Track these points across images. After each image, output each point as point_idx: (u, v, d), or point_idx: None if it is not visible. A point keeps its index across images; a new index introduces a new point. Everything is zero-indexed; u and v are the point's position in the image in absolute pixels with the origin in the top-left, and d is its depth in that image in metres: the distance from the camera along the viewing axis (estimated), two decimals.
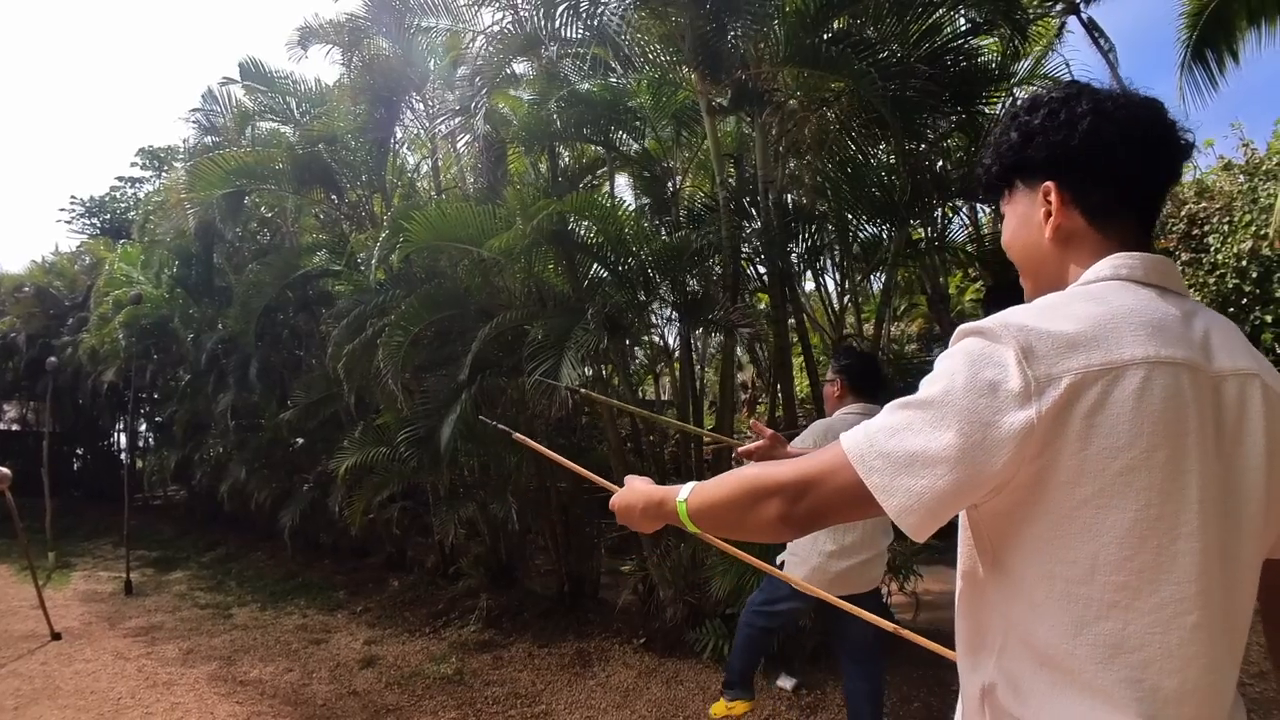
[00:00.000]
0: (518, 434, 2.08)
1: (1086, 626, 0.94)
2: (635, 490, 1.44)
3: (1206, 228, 9.74)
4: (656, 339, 8.01)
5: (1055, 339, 0.93)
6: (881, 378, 3.97)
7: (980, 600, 1.08)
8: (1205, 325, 1.03)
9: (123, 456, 17.74)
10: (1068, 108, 1.11)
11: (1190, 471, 0.93)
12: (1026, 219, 1.17)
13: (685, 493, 1.28)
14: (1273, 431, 1.00)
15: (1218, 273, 9.62)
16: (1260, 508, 1.00)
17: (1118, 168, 1.09)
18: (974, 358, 0.96)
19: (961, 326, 1.02)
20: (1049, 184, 1.12)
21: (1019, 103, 1.22)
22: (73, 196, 21.04)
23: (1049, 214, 1.13)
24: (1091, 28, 8.92)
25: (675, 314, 6.64)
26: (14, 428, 21.70)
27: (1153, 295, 1.02)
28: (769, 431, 2.58)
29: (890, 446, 0.97)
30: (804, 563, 3.66)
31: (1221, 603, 0.95)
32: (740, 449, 2.67)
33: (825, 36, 5.74)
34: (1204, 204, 9.98)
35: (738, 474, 1.18)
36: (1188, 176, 11.69)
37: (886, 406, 1.03)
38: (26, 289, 18.53)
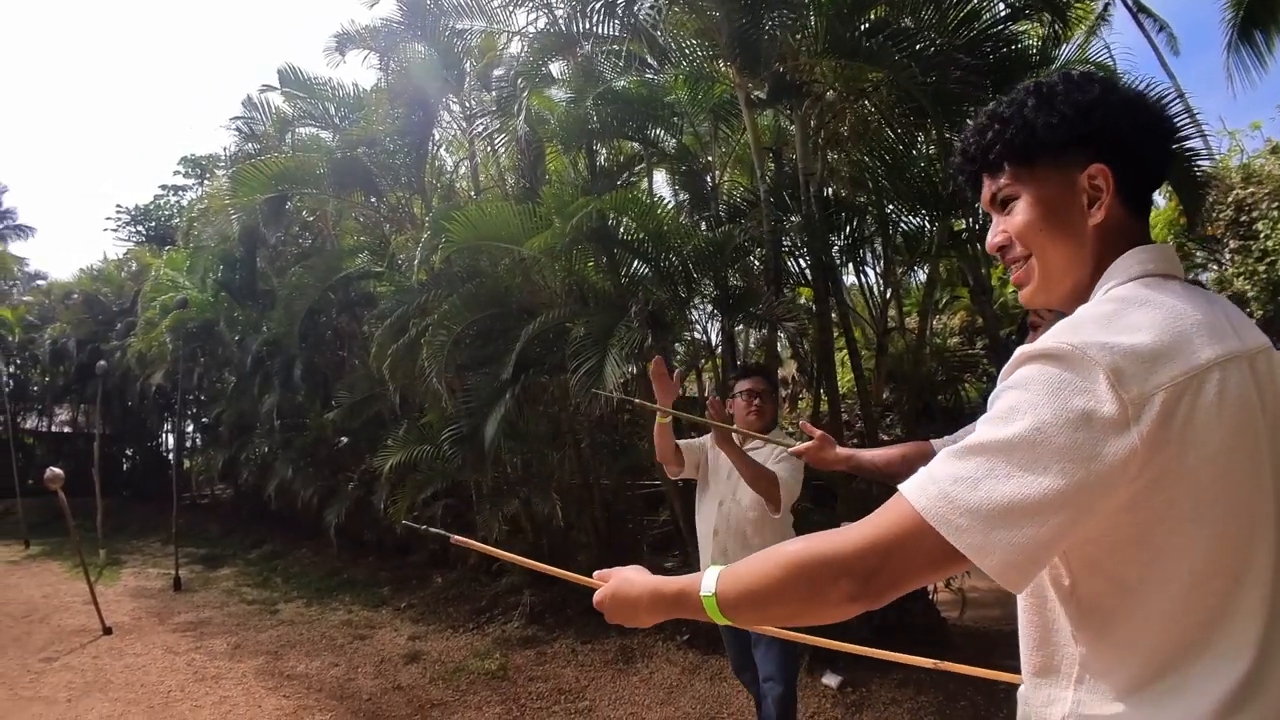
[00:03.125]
0: (456, 536, 1.93)
1: (1192, 646, 0.87)
2: (633, 584, 1.22)
3: (1255, 214, 9.50)
4: (698, 335, 7.99)
5: (1139, 354, 0.86)
6: None
7: (1053, 626, 1.01)
8: (1222, 308, 0.98)
9: (170, 457, 18.12)
10: (1121, 93, 1.04)
11: (1264, 461, 0.90)
12: (1056, 205, 1.05)
13: (711, 583, 1.07)
14: None
15: (1268, 260, 9.36)
16: None
17: (1160, 159, 1.05)
18: (1056, 386, 0.86)
19: (1022, 350, 0.92)
20: (1101, 167, 1.01)
21: (1048, 79, 1.09)
22: (119, 205, 21.58)
23: (1091, 200, 1.03)
24: (1138, 9, 8.74)
25: (716, 309, 6.62)
26: (66, 430, 22.28)
27: (1182, 288, 0.97)
28: (818, 432, 2.52)
29: (976, 501, 0.85)
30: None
31: None
32: (792, 449, 2.63)
33: (863, 27, 5.69)
34: (1252, 189, 9.73)
35: (780, 554, 1.00)
36: (1234, 161, 11.41)
37: (947, 451, 0.92)
38: (76, 296, 19.04)
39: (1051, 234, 1.07)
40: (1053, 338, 0.89)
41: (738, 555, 3.61)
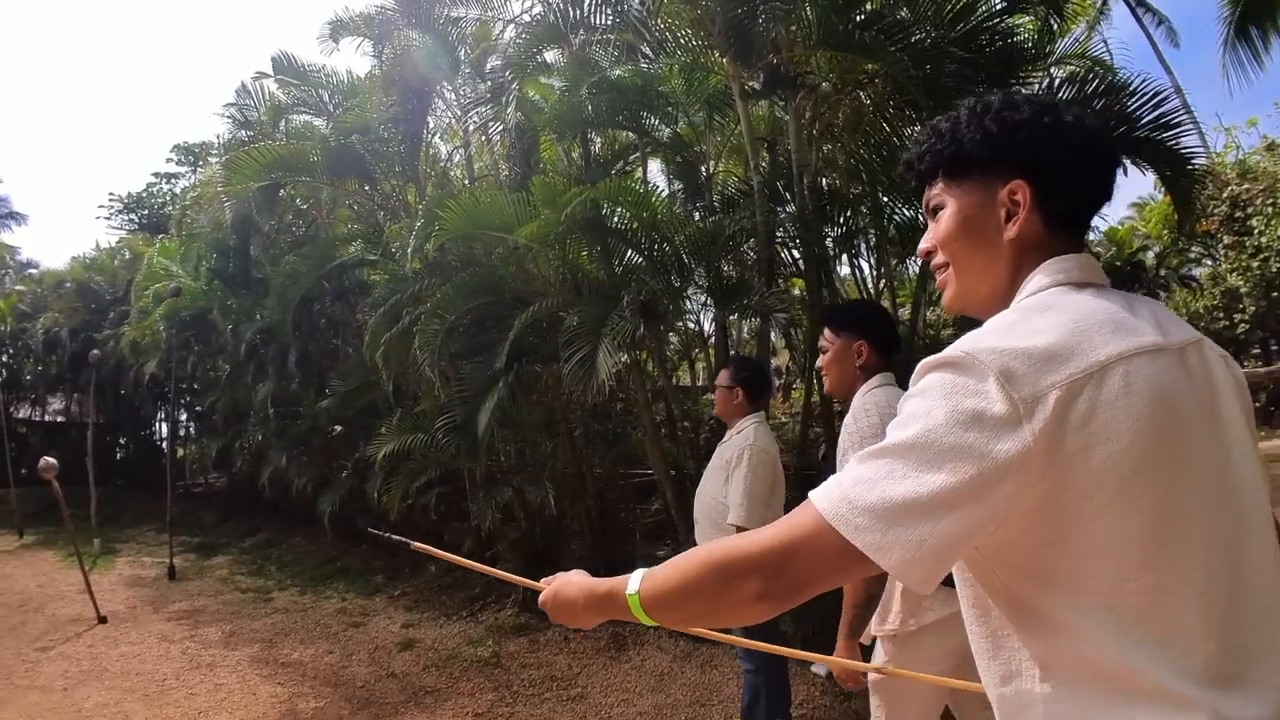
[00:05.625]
0: (416, 543, 2.00)
1: (1129, 637, 0.88)
2: (571, 584, 1.29)
3: (1250, 210, 9.55)
4: (691, 324, 8.01)
5: (1031, 355, 0.89)
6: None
7: (1001, 634, 1.01)
8: (1148, 308, 1.02)
9: (164, 445, 18.15)
10: (1054, 113, 1.08)
11: (1191, 452, 0.92)
12: (977, 216, 1.10)
13: (636, 583, 1.13)
14: (1233, 388, 1.02)
15: (1261, 256, 9.41)
16: (1254, 461, 0.99)
17: (1088, 181, 1.08)
18: (949, 390, 0.90)
19: (924, 361, 0.96)
20: (1021, 183, 1.06)
21: (989, 97, 1.14)
22: (111, 193, 21.39)
23: (1009, 215, 1.07)
24: (1137, 3, 8.74)
25: (710, 299, 6.63)
26: (59, 419, 22.24)
27: (1095, 293, 1.01)
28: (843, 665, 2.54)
29: (875, 499, 0.89)
30: None
31: (1257, 570, 0.93)
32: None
33: (858, 19, 5.69)
34: (1247, 186, 9.77)
35: (696, 555, 1.05)
36: (1230, 157, 11.44)
37: (855, 457, 0.95)
38: (68, 285, 18.96)
39: (967, 244, 1.12)
40: (952, 346, 0.93)
41: (709, 539, 3.77)
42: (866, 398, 2.68)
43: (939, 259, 1.17)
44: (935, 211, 1.16)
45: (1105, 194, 1.11)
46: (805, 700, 4.83)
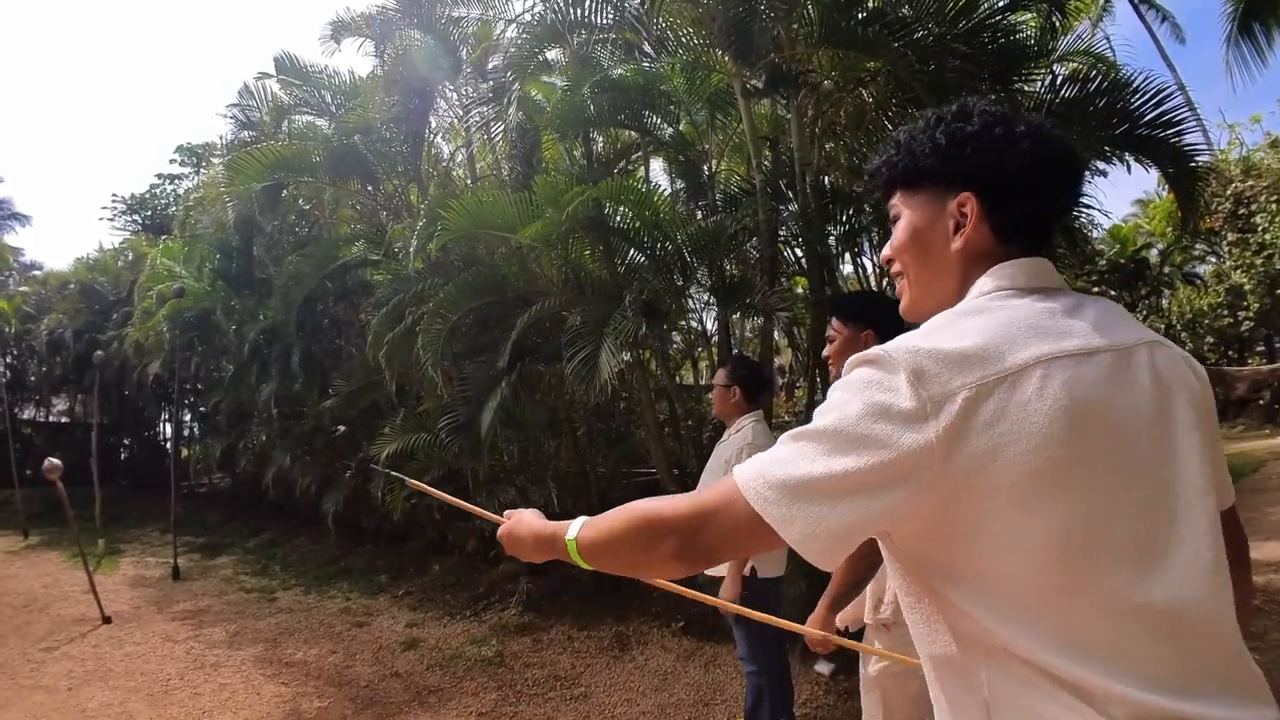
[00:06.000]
0: (413, 481, 2.12)
1: (1040, 628, 0.90)
2: (523, 523, 1.40)
3: (1254, 206, 9.53)
4: (694, 323, 8.01)
5: (945, 357, 0.92)
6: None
7: (934, 619, 1.03)
8: (1095, 310, 1.03)
9: (168, 446, 18.14)
10: (1005, 125, 1.08)
11: (1118, 455, 0.93)
12: (926, 227, 1.13)
13: (575, 529, 1.21)
14: (1190, 390, 1.01)
15: (1265, 253, 9.39)
16: (1203, 465, 0.98)
17: (1040, 192, 1.08)
18: (865, 384, 0.95)
19: (852, 358, 1.00)
20: (968, 195, 1.08)
21: (944, 109, 1.16)
22: (114, 195, 21.45)
23: (958, 226, 1.10)
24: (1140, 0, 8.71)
25: (712, 298, 6.63)
26: (63, 420, 22.25)
27: (1036, 297, 1.02)
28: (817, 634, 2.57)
29: (783, 476, 0.94)
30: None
31: (1184, 576, 0.92)
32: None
33: (859, 16, 5.68)
34: (1250, 182, 9.75)
35: (629, 509, 1.12)
36: (1234, 154, 11.40)
37: (780, 438, 1.01)
38: (72, 286, 18.99)
39: (916, 255, 1.16)
40: (881, 345, 0.97)
41: None
42: None
43: (896, 267, 1.20)
44: (894, 221, 1.19)
45: (1061, 205, 1.13)
46: (809, 700, 4.83)
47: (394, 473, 2.19)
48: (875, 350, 0.96)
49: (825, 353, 2.94)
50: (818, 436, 0.95)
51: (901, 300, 1.21)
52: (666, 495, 1.09)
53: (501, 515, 1.50)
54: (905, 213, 1.16)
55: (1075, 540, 0.89)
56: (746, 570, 3.62)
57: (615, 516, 1.13)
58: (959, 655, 0.99)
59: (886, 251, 1.22)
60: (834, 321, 2.89)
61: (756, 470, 0.98)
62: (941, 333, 0.97)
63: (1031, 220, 1.10)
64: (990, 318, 0.98)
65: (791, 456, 0.96)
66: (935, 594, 1.00)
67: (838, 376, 2.50)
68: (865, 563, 2.47)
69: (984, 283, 1.06)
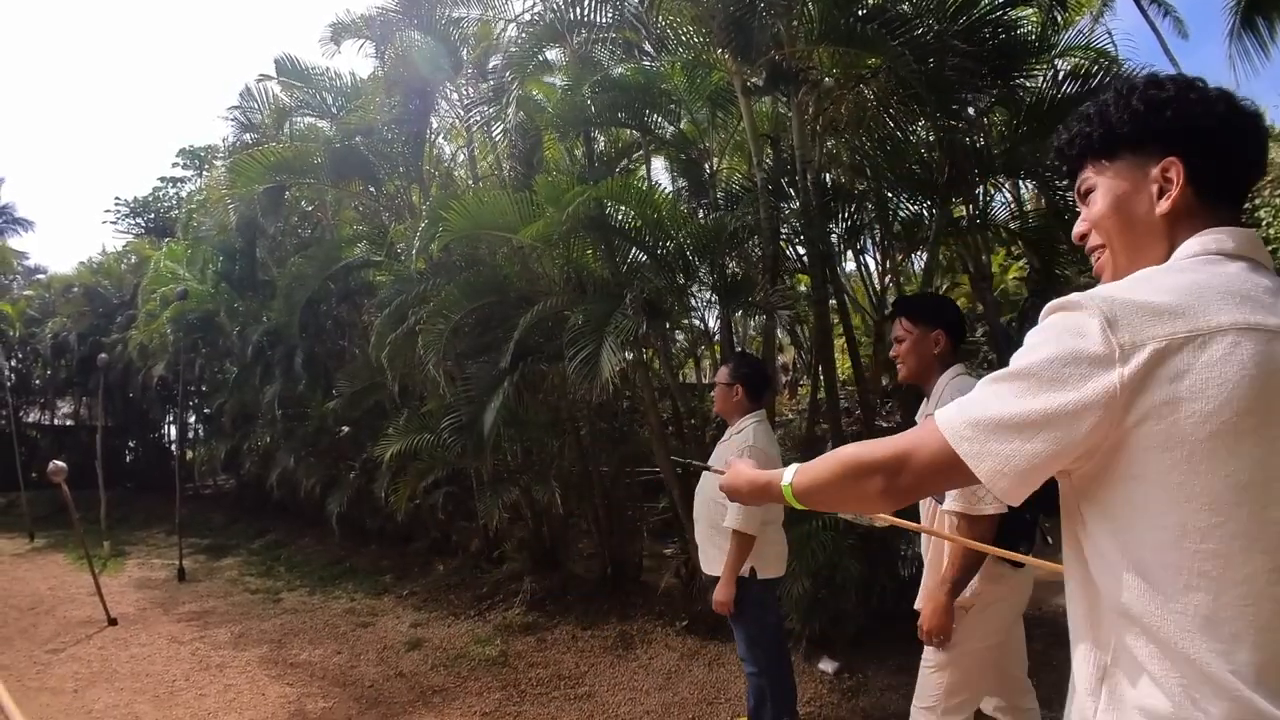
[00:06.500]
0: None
1: (1176, 596, 0.94)
2: (740, 474, 1.59)
3: (1257, 201, 9.47)
4: (697, 322, 8.00)
5: (1140, 308, 0.95)
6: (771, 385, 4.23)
7: (1083, 579, 1.09)
8: None
9: (173, 448, 18.17)
10: (1199, 90, 1.11)
11: None
12: (1129, 193, 1.15)
13: (789, 475, 1.37)
14: None
15: (1270, 247, 9.34)
16: None
17: (1238, 153, 1.10)
18: (1060, 329, 0.99)
19: (1050, 303, 1.04)
20: (1172, 160, 1.10)
21: (1131, 78, 1.19)
22: (117, 198, 21.37)
23: (1161, 191, 1.11)
24: None
25: (715, 297, 6.62)
26: (68, 423, 22.29)
27: (1244, 267, 1.03)
28: None
29: (979, 415, 1.02)
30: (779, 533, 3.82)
31: None
32: None
33: (859, 13, 5.65)
34: None
35: (838, 455, 1.25)
36: None
37: (980, 382, 1.07)
38: (76, 289, 19.01)
39: (1119, 223, 1.17)
40: (1079, 292, 1.02)
41: (707, 539, 3.87)
42: (951, 384, 2.81)
43: (1094, 241, 1.22)
44: (1087, 195, 1.22)
45: (1257, 163, 1.14)
46: (813, 698, 4.83)
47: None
48: (1073, 296, 1.01)
49: (892, 353, 3.07)
50: (1012, 378, 1.01)
51: (1104, 274, 1.21)
52: (868, 441, 1.23)
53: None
54: (1103, 182, 1.18)
55: (1235, 509, 0.92)
56: (745, 570, 3.62)
57: (826, 462, 1.28)
58: (1097, 611, 1.05)
59: (1080, 226, 1.24)
60: (903, 321, 3.01)
61: (958, 410, 1.06)
62: (1140, 285, 1.00)
63: (1232, 181, 1.12)
64: (1192, 277, 1.00)
65: (987, 398, 1.03)
66: (1094, 542, 1.05)
67: (907, 376, 2.75)
68: (976, 554, 2.62)
69: (1191, 244, 1.07)
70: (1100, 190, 1.19)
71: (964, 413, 1.04)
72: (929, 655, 2.86)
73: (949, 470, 1.06)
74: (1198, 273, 1.01)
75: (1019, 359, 1.02)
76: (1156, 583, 0.95)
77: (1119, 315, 0.95)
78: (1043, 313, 1.05)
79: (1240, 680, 0.89)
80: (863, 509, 1.29)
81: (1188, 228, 1.10)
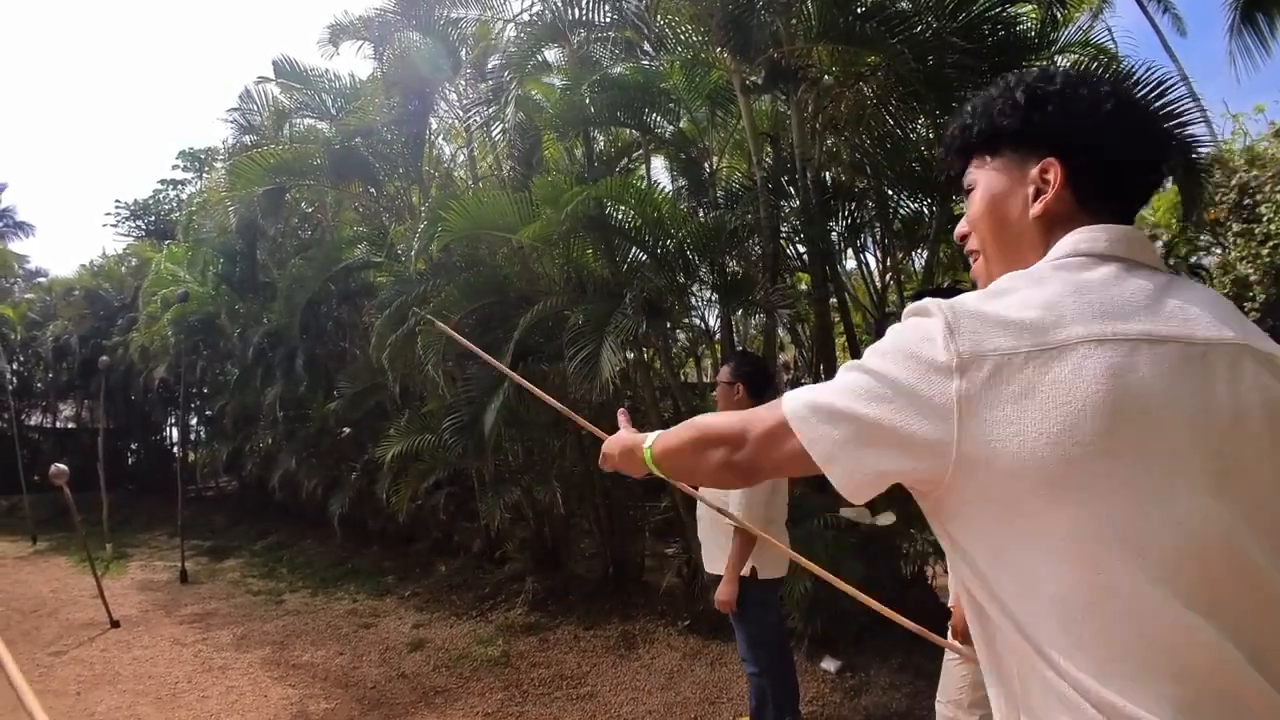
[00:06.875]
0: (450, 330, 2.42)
1: (1068, 631, 0.84)
2: (618, 437, 1.54)
3: (1259, 197, 9.45)
4: (697, 321, 8.00)
5: (986, 318, 0.88)
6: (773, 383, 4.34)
7: (971, 605, 0.98)
8: (1182, 297, 0.92)
9: (175, 450, 18.20)
10: (1090, 85, 1.02)
11: (1165, 456, 0.83)
12: (1004, 193, 1.07)
13: (651, 439, 1.37)
14: (1273, 403, 0.88)
15: (1271, 244, 9.32)
16: (1274, 488, 0.87)
17: (1127, 156, 1.01)
18: (909, 330, 0.94)
19: (909, 306, 0.98)
20: (1051, 161, 1.01)
21: (1024, 70, 1.09)
22: (117, 201, 21.50)
23: (1038, 192, 1.02)
24: None
25: (715, 296, 6.62)
26: (70, 426, 22.35)
27: (1116, 269, 0.94)
28: None
29: (819, 399, 0.98)
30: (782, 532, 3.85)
31: (1233, 595, 0.82)
32: None
33: (858, 11, 5.65)
34: (1255, 172, 9.68)
35: (691, 423, 1.25)
36: (1238, 144, 11.33)
37: (841, 368, 1.02)
38: (77, 292, 19.04)
39: (993, 225, 1.09)
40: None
41: (709, 538, 3.89)
42: None
43: (972, 244, 1.15)
44: (969, 193, 1.13)
45: (1150, 167, 1.05)
46: (815, 697, 4.82)
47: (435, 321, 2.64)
48: (926, 300, 0.95)
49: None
50: (857, 370, 0.97)
51: (979, 279, 1.14)
52: (721, 414, 1.22)
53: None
54: (982, 180, 1.10)
55: (1106, 539, 0.82)
56: (746, 570, 3.62)
57: (681, 428, 1.27)
58: (995, 646, 0.96)
59: (961, 227, 1.17)
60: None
61: (805, 391, 1.02)
62: (993, 294, 0.94)
63: (1118, 186, 1.02)
64: (1049, 287, 0.91)
65: (834, 385, 0.99)
66: (970, 569, 0.95)
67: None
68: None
69: (1063, 245, 0.99)
70: (979, 189, 1.11)
71: (807, 398, 1.00)
72: (953, 650, 2.87)
73: (788, 450, 1.00)
74: (1059, 280, 0.92)
75: (870, 355, 0.97)
76: (1046, 620, 0.85)
77: (962, 324, 0.88)
78: (905, 312, 0.99)
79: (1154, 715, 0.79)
80: (710, 481, 1.24)
81: (1064, 232, 1.00)
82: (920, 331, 0.92)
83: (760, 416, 1.07)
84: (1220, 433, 0.86)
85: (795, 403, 1.00)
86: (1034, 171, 1.03)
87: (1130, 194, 1.04)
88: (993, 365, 0.86)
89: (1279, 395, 0.89)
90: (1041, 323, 0.87)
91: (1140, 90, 5.53)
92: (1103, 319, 0.87)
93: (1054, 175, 1.01)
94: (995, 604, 0.91)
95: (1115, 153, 1.01)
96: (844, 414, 0.94)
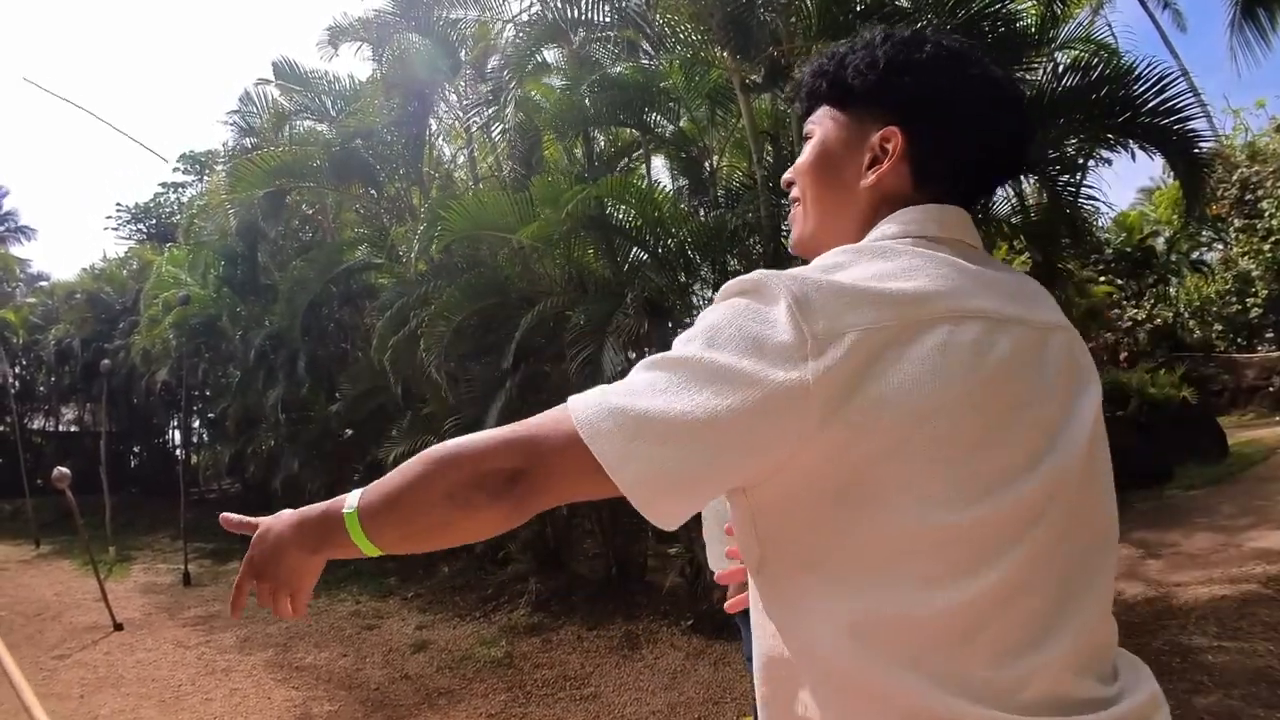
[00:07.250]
0: None
1: (914, 610, 0.75)
2: (279, 518, 1.03)
3: (1260, 192, 9.45)
4: None
5: (839, 291, 0.76)
6: None
7: (767, 620, 0.85)
8: (1015, 279, 0.89)
9: (178, 452, 18.23)
10: (958, 61, 0.92)
11: (1019, 435, 0.79)
12: (839, 152, 0.96)
13: (354, 499, 0.90)
14: (1094, 387, 0.88)
15: (1273, 239, 9.32)
16: (1105, 466, 0.86)
17: (978, 144, 0.92)
18: (738, 312, 0.78)
19: (729, 283, 0.83)
20: (893, 131, 0.91)
21: (894, 29, 0.98)
22: (118, 204, 21.56)
23: (874, 159, 0.93)
24: None
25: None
26: (73, 429, 22.36)
27: (952, 250, 0.86)
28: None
29: (625, 405, 0.76)
30: None
31: (1066, 573, 0.80)
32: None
33: (857, 9, 5.65)
34: (1256, 168, 9.68)
35: (422, 454, 0.86)
36: (1239, 139, 11.33)
37: (636, 366, 0.82)
38: (79, 296, 19.08)
39: (819, 179, 0.98)
40: (762, 270, 0.81)
41: (713, 536, 3.80)
42: None
43: (794, 192, 1.03)
44: (808, 140, 1.02)
45: (998, 159, 0.96)
46: None
47: None
48: (755, 274, 0.80)
49: None
50: (676, 365, 0.77)
51: (792, 231, 1.03)
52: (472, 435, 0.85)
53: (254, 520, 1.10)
54: (820, 131, 0.99)
55: (965, 522, 0.75)
56: None
57: (405, 467, 0.86)
58: (788, 659, 0.82)
59: (788, 174, 1.04)
60: None
61: (598, 395, 0.79)
62: (840, 265, 0.81)
63: (962, 171, 0.93)
64: (899, 261, 0.81)
65: (640, 386, 0.78)
66: (788, 578, 0.83)
67: None
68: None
69: (888, 227, 0.89)
70: (814, 139, 0.99)
71: (607, 402, 0.77)
72: None
73: (581, 473, 0.77)
74: (905, 256, 0.82)
75: (686, 343, 0.79)
76: (880, 604, 0.76)
77: (812, 299, 0.75)
78: (721, 292, 0.83)
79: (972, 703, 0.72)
80: (467, 531, 0.86)
81: (891, 208, 0.91)
82: (756, 312, 0.77)
83: (540, 428, 0.80)
84: (1062, 412, 0.83)
85: (589, 410, 0.77)
86: (875, 138, 0.93)
87: (972, 184, 0.96)
88: (851, 343, 0.73)
89: (1098, 382, 0.89)
90: (900, 295, 0.77)
91: (1140, 85, 5.53)
92: (961, 296, 0.79)
93: (894, 146, 0.91)
94: (810, 608, 0.80)
95: (965, 139, 0.92)
96: (660, 421, 0.74)
